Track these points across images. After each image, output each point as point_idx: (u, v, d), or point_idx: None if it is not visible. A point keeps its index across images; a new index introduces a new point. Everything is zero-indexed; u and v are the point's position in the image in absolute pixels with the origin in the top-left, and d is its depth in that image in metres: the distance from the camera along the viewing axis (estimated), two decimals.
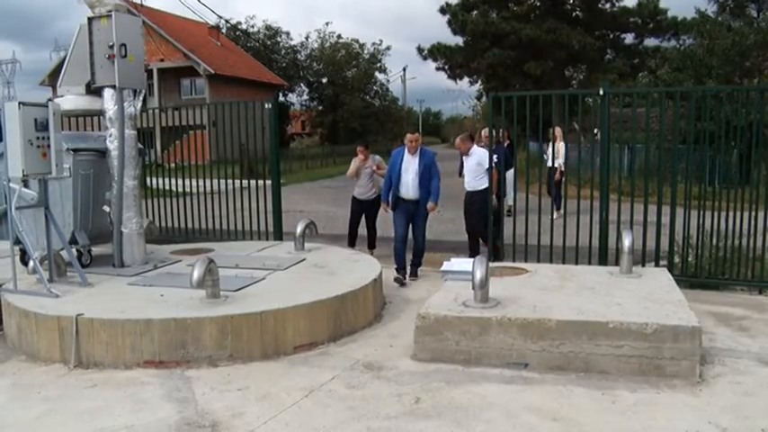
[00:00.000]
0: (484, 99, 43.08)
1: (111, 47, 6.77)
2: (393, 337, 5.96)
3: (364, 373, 5.12)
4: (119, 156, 6.98)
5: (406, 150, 8.19)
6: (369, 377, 5.02)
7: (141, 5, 24.46)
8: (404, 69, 65.11)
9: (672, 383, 4.79)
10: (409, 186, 8.13)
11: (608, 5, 31.13)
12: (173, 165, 12.52)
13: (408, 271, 8.31)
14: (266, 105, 9.58)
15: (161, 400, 4.63)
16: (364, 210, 9.67)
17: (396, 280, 8.07)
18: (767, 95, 8.48)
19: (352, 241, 9.69)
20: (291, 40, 56.28)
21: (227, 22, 48.45)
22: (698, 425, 4.12)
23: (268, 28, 54.95)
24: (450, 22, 31.95)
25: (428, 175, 8.07)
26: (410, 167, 8.13)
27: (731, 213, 7.46)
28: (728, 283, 7.69)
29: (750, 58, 19.93)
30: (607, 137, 7.93)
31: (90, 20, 6.89)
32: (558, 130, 12.68)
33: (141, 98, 7.26)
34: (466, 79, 36.29)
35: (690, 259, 7.86)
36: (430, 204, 8.15)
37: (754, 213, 7.39)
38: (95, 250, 7.44)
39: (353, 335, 6.02)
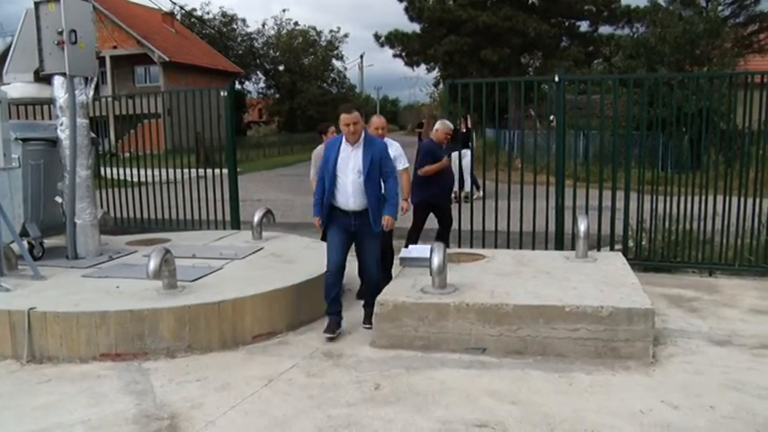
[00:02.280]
0: (441, 86, 43.19)
1: (61, 33, 6.61)
2: (352, 325, 5.96)
3: (324, 361, 5.12)
4: (70, 145, 6.83)
5: (344, 140, 5.61)
6: (328, 365, 5.02)
7: None
8: (361, 57, 65.17)
9: (626, 365, 4.90)
10: (349, 192, 5.53)
11: None
12: (127, 154, 12.31)
13: (363, 313, 5.95)
14: (222, 93, 9.47)
15: (118, 393, 4.57)
16: None
17: (326, 331, 5.63)
18: (716, 83, 8.68)
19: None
20: (248, 27, 55.89)
21: (181, 8, 47.73)
22: (651, 404, 4.22)
23: (224, 15, 54.25)
24: (407, 9, 31.90)
25: (378, 175, 5.59)
26: (350, 164, 5.53)
27: (683, 198, 7.63)
28: (680, 266, 7.87)
29: (700, 47, 20.34)
30: (562, 123, 8.03)
31: (37, 4, 6.69)
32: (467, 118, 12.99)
33: (93, 86, 7.10)
34: (423, 66, 36.28)
35: (643, 243, 8.02)
36: (387, 219, 5.63)
37: (704, 197, 7.56)
38: (48, 242, 7.28)
39: (312, 323, 6.01)
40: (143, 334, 5.18)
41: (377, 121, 6.65)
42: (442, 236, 7.79)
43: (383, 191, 5.66)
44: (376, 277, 5.84)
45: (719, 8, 23.90)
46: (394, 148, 6.62)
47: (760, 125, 7.53)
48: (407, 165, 6.86)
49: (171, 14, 45.60)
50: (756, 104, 7.34)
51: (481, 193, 10.24)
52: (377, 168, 5.52)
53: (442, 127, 8.01)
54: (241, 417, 4.16)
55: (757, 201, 7.43)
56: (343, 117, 5.42)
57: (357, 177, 5.50)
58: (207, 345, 5.32)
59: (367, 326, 5.77)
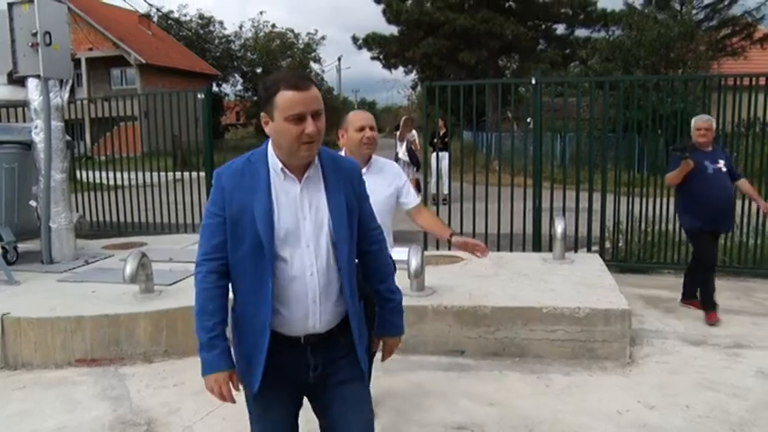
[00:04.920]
0: (419, 88, 43.30)
1: (35, 34, 6.54)
2: None
3: None
4: (45, 148, 6.75)
5: (275, 167, 2.36)
6: None
7: None
8: (339, 59, 65.13)
9: (603, 365, 4.94)
10: (308, 293, 2.32)
11: None
12: (103, 157, 12.20)
13: None
14: (199, 95, 9.41)
15: (94, 398, 4.52)
16: None
17: None
18: (690, 85, 8.79)
19: None
20: (225, 29, 55.39)
21: (158, 10, 47.35)
22: (628, 404, 4.26)
23: (201, 17, 53.92)
24: (384, 12, 31.91)
25: (354, 243, 2.47)
26: (304, 226, 2.32)
27: (658, 199, 7.70)
28: (656, 267, 7.94)
29: (674, 50, 20.55)
30: (539, 125, 8.07)
31: (10, 5, 6.63)
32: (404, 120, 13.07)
33: (68, 88, 7.04)
34: (401, 69, 36.30)
35: (620, 244, 8.08)
36: (391, 342, 2.84)
37: None
38: (22, 247, 7.19)
39: None
40: (119, 339, 5.13)
41: (363, 117, 3.63)
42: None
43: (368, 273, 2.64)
44: None
45: (693, 12, 24.19)
46: (391, 175, 3.74)
47: (733, 127, 7.64)
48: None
49: (147, 16, 45.24)
50: (729, 107, 7.43)
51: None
52: (355, 225, 2.46)
53: (694, 124, 6.09)
54: (219, 422, 4.13)
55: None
56: (293, 97, 2.23)
57: (325, 253, 2.34)
58: (184, 349, 5.27)
59: None
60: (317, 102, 2.27)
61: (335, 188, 2.38)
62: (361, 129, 3.52)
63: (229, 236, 2.31)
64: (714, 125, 6.09)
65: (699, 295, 6.17)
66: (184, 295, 5.59)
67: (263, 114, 2.32)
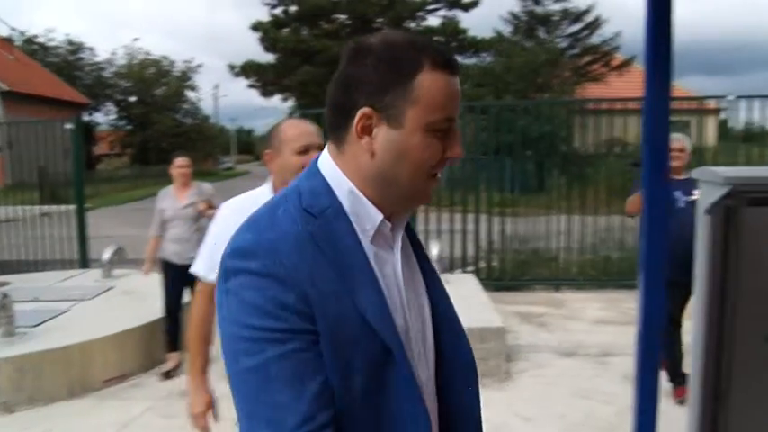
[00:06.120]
0: (295, 116, 43.35)
1: None
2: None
3: (181, 400, 4.92)
4: None
5: (368, 220, 1.18)
6: (186, 405, 4.83)
7: None
8: (215, 87, 64.40)
9: (481, 382, 5.04)
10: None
11: (413, 24, 32.55)
12: None
13: None
14: (66, 126, 9.00)
15: None
16: (186, 280, 5.00)
17: None
18: (556, 109, 9.26)
19: (173, 335, 5.52)
20: (96, 56, 53.54)
21: (21, 33, 45.11)
22: (506, 418, 4.39)
23: (70, 43, 51.79)
24: (261, 40, 31.88)
25: None
26: (412, 321, 1.24)
27: (529, 218, 8.04)
28: (530, 284, 8.26)
29: (541, 75, 21.67)
30: None
31: None
32: None
33: None
34: (278, 96, 36.34)
35: (494, 263, 8.35)
36: None
37: (549, 217, 8.01)
38: None
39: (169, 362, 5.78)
40: None
41: (303, 131, 2.23)
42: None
43: None
44: None
45: (558, 40, 25.61)
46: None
47: (596, 148, 8.11)
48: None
49: (9, 40, 42.95)
50: (591, 129, 7.89)
51: None
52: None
53: None
54: None
55: (596, 219, 7.96)
56: (448, 84, 1.14)
57: (433, 359, 1.32)
58: (52, 394, 4.97)
59: None
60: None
61: (426, 256, 1.41)
62: (304, 151, 2.16)
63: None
64: (688, 145, 4.72)
65: (664, 360, 4.59)
66: (51, 336, 5.30)
67: (365, 111, 1.15)
